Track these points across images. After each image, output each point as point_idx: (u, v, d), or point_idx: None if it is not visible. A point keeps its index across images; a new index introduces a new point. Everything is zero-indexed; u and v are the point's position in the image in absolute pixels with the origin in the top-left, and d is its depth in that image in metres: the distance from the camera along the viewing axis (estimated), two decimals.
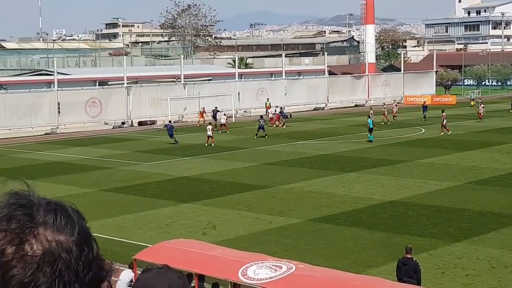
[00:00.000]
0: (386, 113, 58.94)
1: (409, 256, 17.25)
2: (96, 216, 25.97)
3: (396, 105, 65.68)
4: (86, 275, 1.62)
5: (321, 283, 13.78)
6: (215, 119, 57.25)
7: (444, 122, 50.82)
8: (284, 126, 58.23)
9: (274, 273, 13.81)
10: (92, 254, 1.65)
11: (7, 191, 1.66)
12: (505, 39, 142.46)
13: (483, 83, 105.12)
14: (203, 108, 61.48)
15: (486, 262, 20.38)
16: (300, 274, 13.91)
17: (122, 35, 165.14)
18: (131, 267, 17.14)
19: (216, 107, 59.88)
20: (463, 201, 28.57)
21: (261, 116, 53.58)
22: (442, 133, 50.07)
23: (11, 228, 1.58)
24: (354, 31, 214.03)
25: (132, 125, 62.53)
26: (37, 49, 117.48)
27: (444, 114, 51.36)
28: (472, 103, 78.08)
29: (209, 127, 48.12)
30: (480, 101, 66.33)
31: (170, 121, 53.05)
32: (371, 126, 47.50)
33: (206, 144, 46.47)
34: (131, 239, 23.56)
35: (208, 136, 47.07)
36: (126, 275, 17.11)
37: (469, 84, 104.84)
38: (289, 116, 61.62)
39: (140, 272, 2.56)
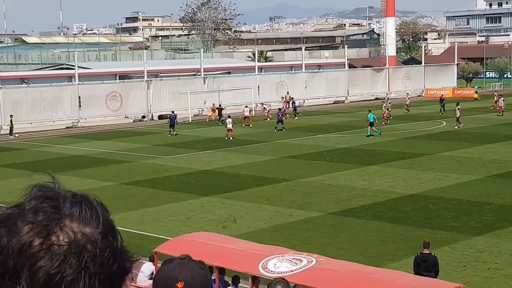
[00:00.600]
0: (390, 108, 56.42)
1: (426, 251, 17.03)
2: (117, 209, 26.09)
3: (409, 98, 65.24)
4: (112, 266, 1.63)
5: (341, 277, 13.75)
6: (220, 116, 57.27)
7: (458, 115, 50.14)
8: (296, 118, 58.50)
9: (295, 266, 13.81)
10: (117, 246, 1.66)
11: (33, 183, 1.67)
12: None
13: (505, 75, 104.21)
14: (213, 104, 61.42)
15: (508, 256, 20.24)
16: (321, 267, 13.89)
17: (142, 29, 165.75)
18: (151, 259, 17.21)
19: (220, 105, 60.02)
20: (485, 194, 28.37)
21: (279, 109, 53.58)
22: (456, 127, 49.52)
23: (38, 220, 1.59)
24: (374, 24, 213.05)
25: (152, 119, 62.75)
26: (58, 43, 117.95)
27: (459, 107, 50.66)
28: (475, 95, 78.00)
29: (229, 119, 47.89)
30: (495, 93, 65.93)
31: (172, 112, 53.10)
32: (371, 121, 46.76)
33: (226, 138, 46.49)
34: (151, 232, 23.65)
35: (228, 129, 47.06)
36: (148, 267, 17.19)
37: (490, 76, 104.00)
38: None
39: (161, 263, 2.54)
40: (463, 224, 23.86)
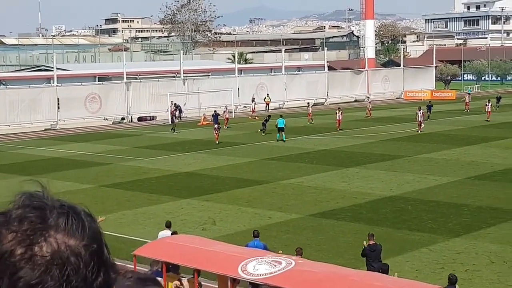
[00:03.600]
0: (340, 114, 52.33)
1: (372, 242, 17.80)
2: (96, 212, 25.79)
3: (369, 102, 65.16)
4: (95, 280, 1.61)
5: (320, 279, 13.80)
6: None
7: (421, 119, 49.44)
8: (177, 120, 56.87)
9: (274, 268, 13.84)
10: (102, 260, 1.64)
11: (22, 191, 1.65)
12: (505, 34, 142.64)
13: (482, 78, 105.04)
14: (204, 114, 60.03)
15: (485, 257, 20.41)
16: (300, 269, 13.94)
17: (122, 30, 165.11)
18: (167, 225, 19.72)
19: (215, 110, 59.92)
20: (463, 196, 28.59)
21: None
22: (419, 131, 48.56)
23: (22, 229, 1.58)
24: (353, 26, 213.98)
25: (131, 121, 62.53)
26: (36, 44, 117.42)
27: (421, 111, 50.16)
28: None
29: (216, 126, 46.93)
30: (466, 96, 66.14)
31: (215, 111, 53.65)
32: (280, 126, 45.79)
33: (217, 142, 45.48)
34: (130, 234, 23.58)
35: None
36: (163, 234, 18.81)
37: (468, 79, 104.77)
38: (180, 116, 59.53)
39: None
40: (441, 225, 24.03)
